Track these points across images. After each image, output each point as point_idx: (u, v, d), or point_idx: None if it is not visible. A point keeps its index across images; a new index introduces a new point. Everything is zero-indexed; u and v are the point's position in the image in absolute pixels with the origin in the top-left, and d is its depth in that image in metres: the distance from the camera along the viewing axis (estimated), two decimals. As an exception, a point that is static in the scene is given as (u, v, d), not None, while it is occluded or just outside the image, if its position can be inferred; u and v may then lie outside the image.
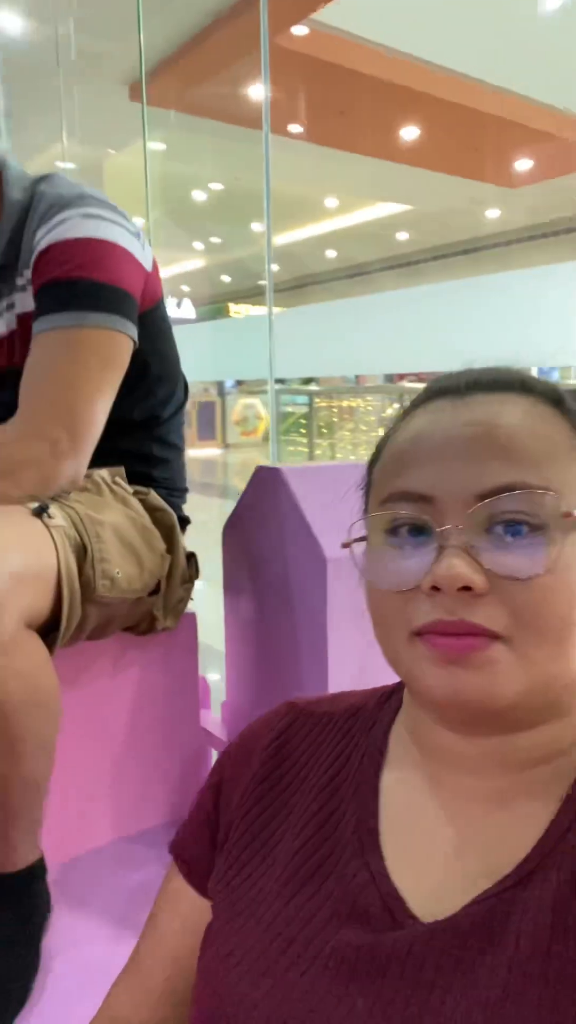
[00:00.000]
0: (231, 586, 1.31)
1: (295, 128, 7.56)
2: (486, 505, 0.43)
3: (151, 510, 1.17)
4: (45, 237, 1.03)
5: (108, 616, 1.07)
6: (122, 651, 1.21)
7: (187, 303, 12.36)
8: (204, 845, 0.57)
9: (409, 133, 7.81)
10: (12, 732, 0.88)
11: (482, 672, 0.42)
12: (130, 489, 1.14)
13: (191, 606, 1.28)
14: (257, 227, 10.53)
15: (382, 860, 0.47)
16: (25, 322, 1.09)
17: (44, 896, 1.01)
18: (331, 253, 12.94)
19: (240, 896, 0.50)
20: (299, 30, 5.95)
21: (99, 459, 1.09)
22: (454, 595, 0.42)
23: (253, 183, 8.41)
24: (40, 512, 0.95)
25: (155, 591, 1.13)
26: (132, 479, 1.19)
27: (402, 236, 11.86)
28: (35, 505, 0.95)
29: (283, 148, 7.87)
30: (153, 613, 1.16)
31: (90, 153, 6.80)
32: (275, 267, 13.76)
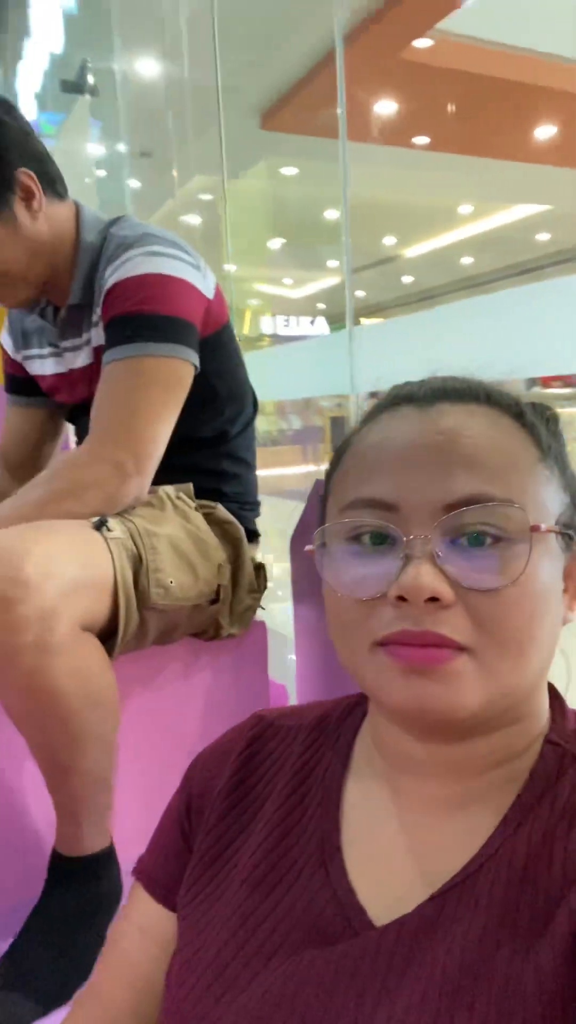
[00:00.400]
0: (299, 596, 1.35)
1: (421, 140, 7.52)
2: (453, 516, 0.43)
3: (218, 523, 1.23)
4: (111, 276, 1.13)
5: (170, 622, 1.14)
6: (193, 656, 1.28)
7: (320, 320, 12.58)
8: (176, 860, 0.56)
9: (544, 132, 7.54)
10: (71, 727, 0.96)
11: (447, 684, 0.42)
12: (193, 504, 1.21)
13: (260, 614, 1.33)
14: (388, 241, 10.53)
15: (344, 871, 0.48)
16: (99, 355, 1.20)
17: (114, 881, 1.09)
18: (467, 260, 12.69)
19: (205, 910, 0.51)
20: (422, 43, 5.93)
21: (171, 475, 1.16)
22: (420, 606, 0.42)
23: (383, 198, 8.40)
24: (99, 526, 1.03)
25: (216, 600, 1.19)
26: (203, 494, 1.26)
27: (542, 237, 11.43)
28: (96, 519, 1.04)
29: (410, 161, 7.84)
30: (219, 620, 1.22)
31: (224, 181, 7.12)
32: (409, 279, 13.65)
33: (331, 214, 9.72)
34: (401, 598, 0.42)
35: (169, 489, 1.20)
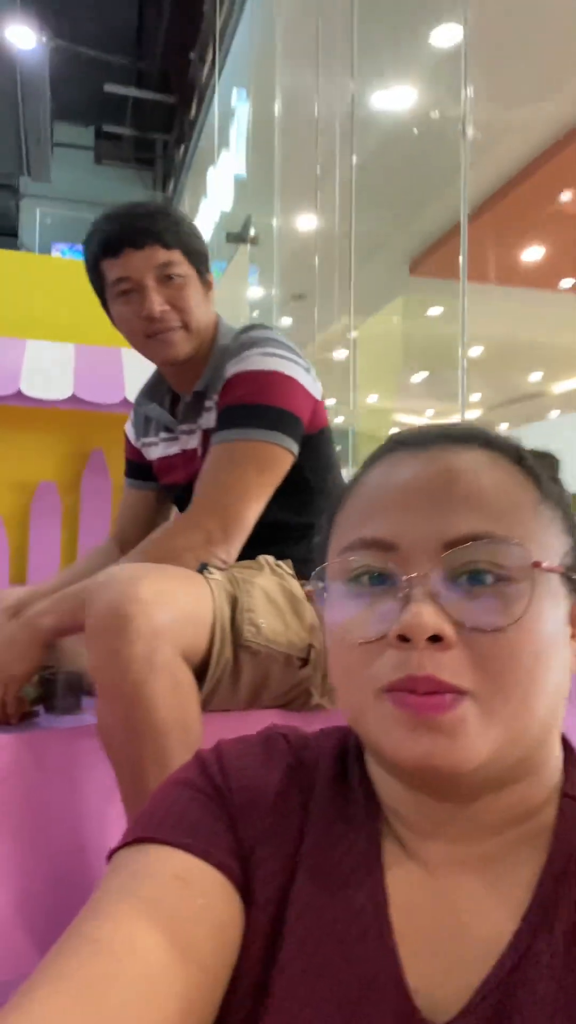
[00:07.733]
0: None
1: (567, 282, 7.76)
2: (453, 554, 0.42)
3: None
4: (232, 368, 1.30)
5: (261, 674, 1.17)
6: (282, 722, 1.32)
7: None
8: (209, 828, 0.47)
9: None
10: (161, 744, 1.00)
11: (452, 736, 0.41)
12: (291, 572, 1.30)
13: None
14: (535, 377, 10.67)
15: (395, 951, 0.43)
16: (207, 438, 1.35)
17: None
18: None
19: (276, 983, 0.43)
20: (567, 195, 6.27)
21: (262, 552, 1.27)
22: (422, 645, 0.41)
23: (528, 338, 8.56)
24: (201, 569, 1.14)
25: (306, 663, 1.24)
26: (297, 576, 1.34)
27: None
28: (199, 565, 1.15)
29: (558, 303, 8.06)
30: (309, 688, 1.26)
31: (368, 322, 7.60)
32: (556, 413, 13.60)
33: (475, 351, 10.05)
34: (403, 638, 0.41)
35: (270, 557, 1.29)
